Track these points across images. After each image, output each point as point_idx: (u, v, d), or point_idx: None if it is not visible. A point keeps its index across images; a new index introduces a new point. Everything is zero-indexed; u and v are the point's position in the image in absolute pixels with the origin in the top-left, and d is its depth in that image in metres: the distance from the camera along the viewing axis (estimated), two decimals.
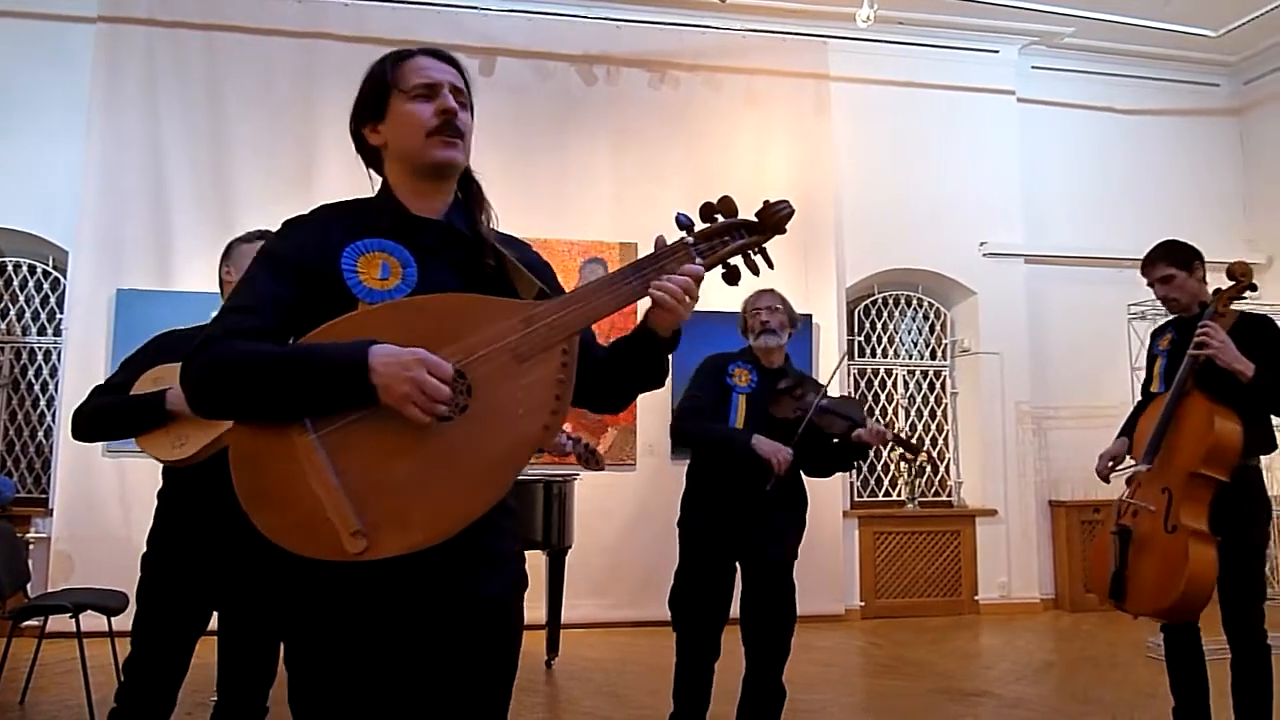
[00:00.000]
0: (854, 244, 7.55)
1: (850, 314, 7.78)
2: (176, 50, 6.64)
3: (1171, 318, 3.74)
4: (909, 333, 8.11)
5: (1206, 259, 3.62)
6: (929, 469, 7.83)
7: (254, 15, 6.75)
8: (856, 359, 7.86)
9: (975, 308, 7.79)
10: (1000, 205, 7.80)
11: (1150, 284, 3.63)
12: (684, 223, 1.65)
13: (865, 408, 3.54)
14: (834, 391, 3.76)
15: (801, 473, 3.74)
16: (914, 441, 3.44)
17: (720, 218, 1.68)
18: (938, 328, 8.11)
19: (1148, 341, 3.87)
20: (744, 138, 7.34)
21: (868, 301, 7.96)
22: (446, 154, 1.65)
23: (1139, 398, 3.92)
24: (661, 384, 1.77)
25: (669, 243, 1.66)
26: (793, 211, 1.70)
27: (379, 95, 1.69)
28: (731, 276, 1.72)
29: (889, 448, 3.50)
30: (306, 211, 1.70)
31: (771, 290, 3.76)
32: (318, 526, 1.43)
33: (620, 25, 7.26)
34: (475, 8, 7.03)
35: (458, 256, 1.68)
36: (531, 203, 6.57)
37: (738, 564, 3.65)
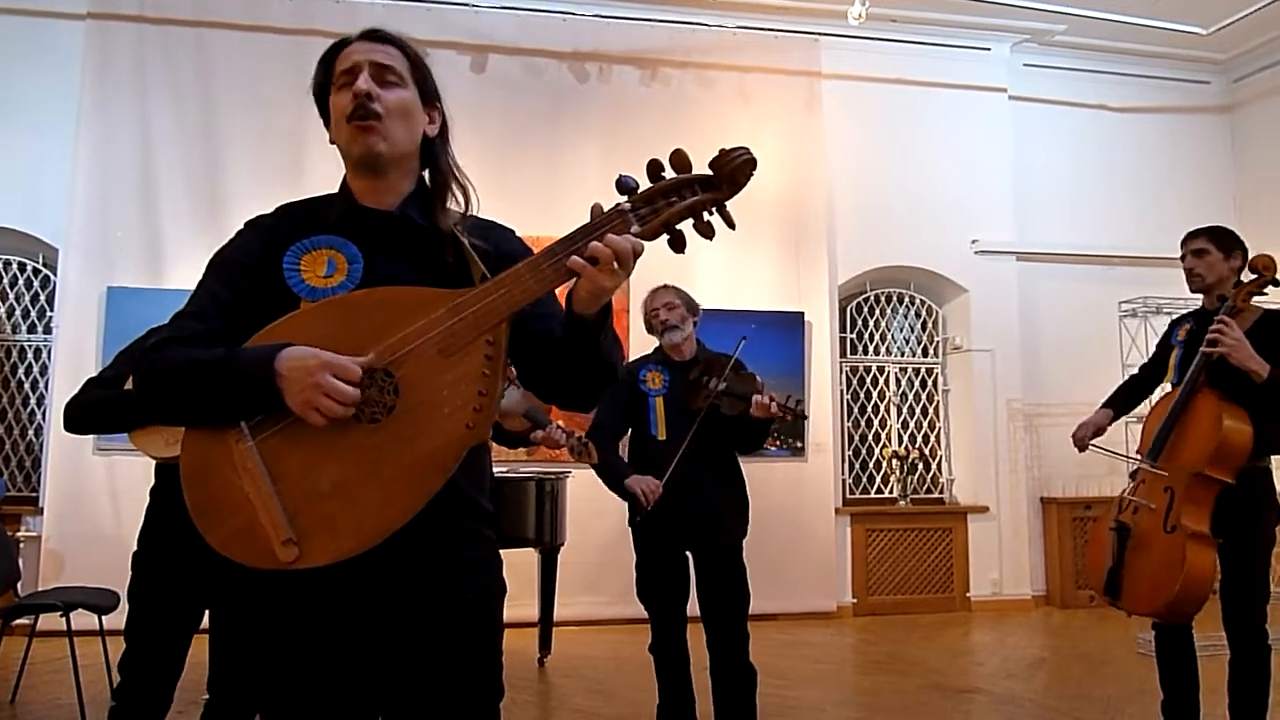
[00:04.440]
0: (846, 241, 7.55)
1: (842, 311, 7.79)
2: (166, 47, 6.62)
3: (1193, 310, 3.68)
4: (901, 330, 8.13)
5: None
6: (920, 466, 7.84)
7: (244, 12, 6.73)
8: (849, 357, 7.87)
9: (967, 305, 7.80)
10: (992, 202, 7.81)
11: (1183, 256, 3.55)
12: (628, 185, 1.45)
13: (798, 398, 3.50)
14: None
15: (738, 457, 3.76)
16: (792, 404, 3.43)
17: (672, 175, 1.47)
18: (929, 325, 8.12)
19: (1163, 330, 3.83)
20: (736, 135, 7.23)
21: (860, 299, 7.97)
22: (361, 141, 1.57)
23: (1142, 381, 3.90)
24: (608, 377, 1.60)
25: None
26: (752, 159, 1.45)
27: (323, 94, 1.66)
28: (676, 243, 1.49)
29: (782, 417, 3.46)
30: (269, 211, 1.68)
31: (665, 286, 3.77)
32: (254, 535, 1.41)
33: (611, 22, 7.24)
34: (466, 5, 7.02)
35: (412, 248, 1.61)
36: (522, 199, 6.55)
37: (689, 553, 3.68)
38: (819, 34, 7.54)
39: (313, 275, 1.56)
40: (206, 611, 2.93)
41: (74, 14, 6.51)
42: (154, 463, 3.00)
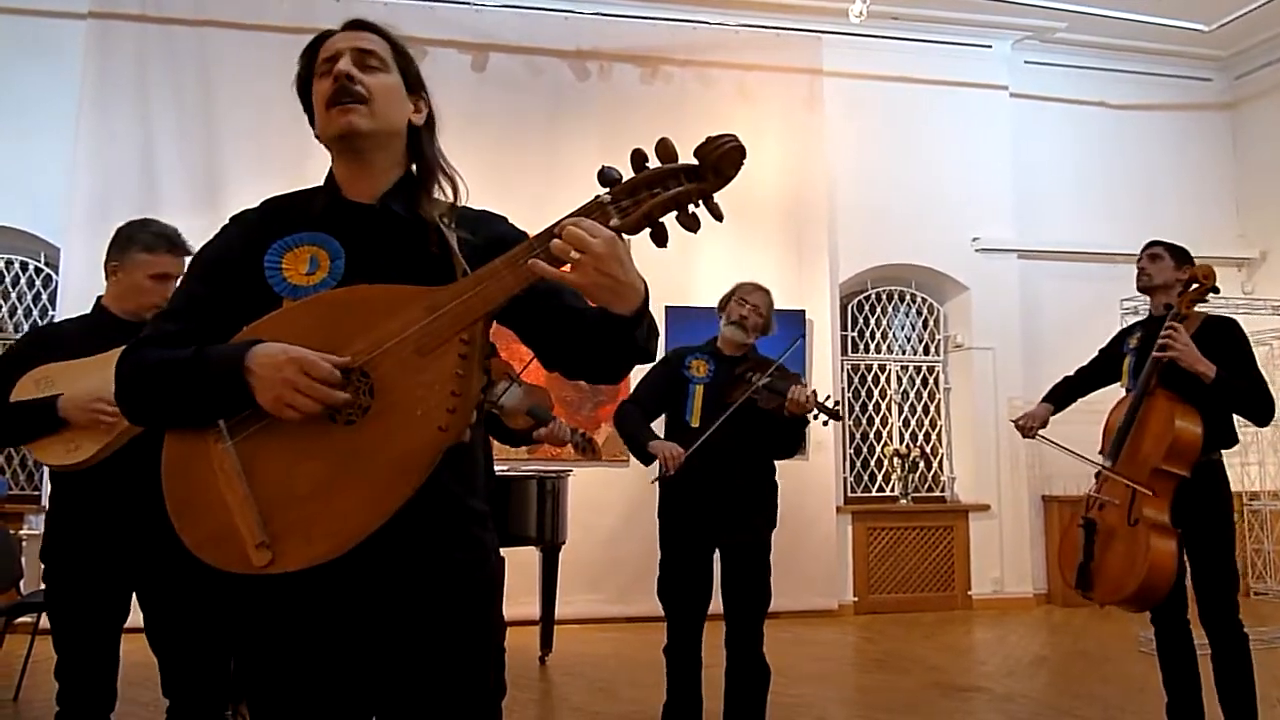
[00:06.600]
0: (847, 239, 7.55)
1: (844, 309, 7.79)
2: (167, 46, 6.62)
3: (1142, 319, 3.86)
4: (902, 328, 8.13)
5: (1197, 253, 3.75)
6: (921, 464, 7.84)
7: (245, 11, 6.74)
8: (850, 355, 7.86)
9: (968, 303, 7.80)
10: (993, 200, 7.81)
11: (1139, 257, 3.76)
12: (611, 176, 1.40)
13: (824, 393, 3.52)
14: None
15: (773, 462, 3.77)
16: (832, 406, 3.48)
17: (657, 165, 1.39)
18: (931, 323, 8.12)
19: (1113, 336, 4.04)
20: (736, 133, 7.29)
21: (861, 297, 7.96)
22: (341, 120, 1.53)
23: (1082, 380, 4.10)
24: (645, 358, 1.55)
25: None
26: (738, 146, 1.35)
27: (306, 89, 1.64)
28: (658, 236, 1.40)
29: (815, 415, 3.51)
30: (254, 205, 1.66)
31: (767, 291, 3.82)
32: (229, 538, 1.38)
33: (612, 20, 7.24)
34: (466, 3, 7.02)
35: (395, 242, 1.56)
36: (523, 197, 6.51)
37: (716, 551, 3.68)
38: (820, 32, 7.53)
39: (294, 273, 1.53)
40: (134, 611, 2.84)
41: (75, 13, 6.51)
42: (48, 473, 2.85)
